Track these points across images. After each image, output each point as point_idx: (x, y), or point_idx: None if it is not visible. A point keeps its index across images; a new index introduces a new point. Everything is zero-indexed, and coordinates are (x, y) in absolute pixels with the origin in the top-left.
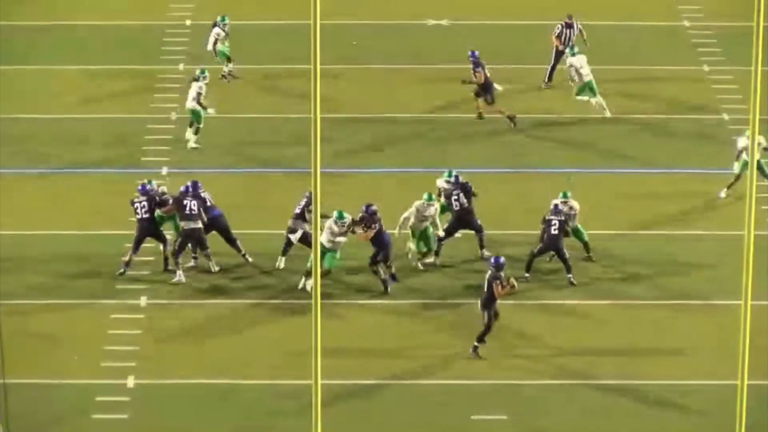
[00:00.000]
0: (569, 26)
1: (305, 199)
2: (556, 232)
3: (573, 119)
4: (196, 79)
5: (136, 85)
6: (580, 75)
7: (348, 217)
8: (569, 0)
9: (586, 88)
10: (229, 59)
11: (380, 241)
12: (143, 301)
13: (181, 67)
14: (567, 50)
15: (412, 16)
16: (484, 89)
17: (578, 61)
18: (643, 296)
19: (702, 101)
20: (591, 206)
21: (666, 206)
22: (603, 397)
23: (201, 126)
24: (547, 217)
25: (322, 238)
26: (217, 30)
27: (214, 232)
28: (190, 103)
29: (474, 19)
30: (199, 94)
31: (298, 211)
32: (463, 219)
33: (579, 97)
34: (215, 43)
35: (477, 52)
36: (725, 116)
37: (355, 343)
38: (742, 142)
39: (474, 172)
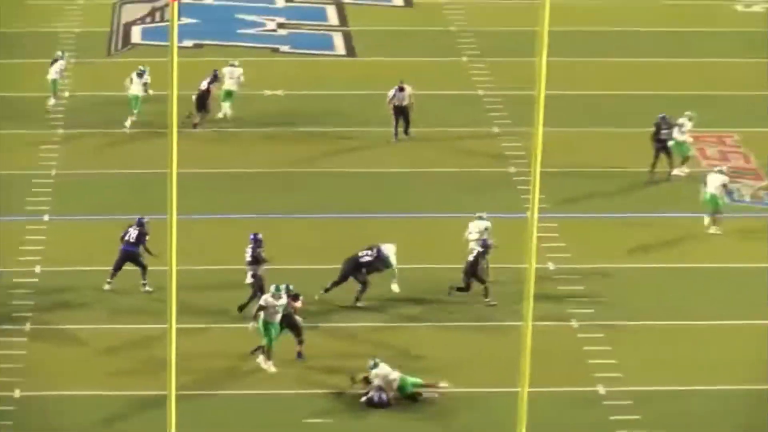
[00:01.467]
0: (401, 90)
1: (252, 243)
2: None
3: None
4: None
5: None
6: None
7: (283, 290)
8: (395, 75)
9: None
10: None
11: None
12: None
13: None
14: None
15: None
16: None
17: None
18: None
19: (494, 155)
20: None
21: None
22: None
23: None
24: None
25: (262, 315)
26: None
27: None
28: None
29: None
30: (62, 70)
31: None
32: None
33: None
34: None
35: None
36: (512, 168)
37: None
38: (711, 179)
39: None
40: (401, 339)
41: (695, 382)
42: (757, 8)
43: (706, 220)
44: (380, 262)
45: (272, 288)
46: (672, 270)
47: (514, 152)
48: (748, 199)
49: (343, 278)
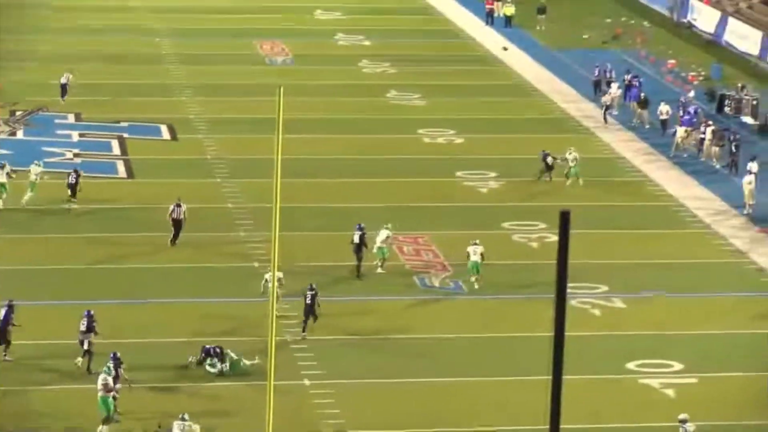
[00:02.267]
0: (179, 205)
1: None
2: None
3: None
4: None
5: None
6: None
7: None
8: (166, 193)
9: None
10: None
11: None
12: None
13: None
14: None
15: None
16: None
17: None
18: None
19: (242, 254)
20: None
21: None
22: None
23: None
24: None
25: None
26: None
27: None
28: None
29: None
30: None
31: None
32: None
33: None
34: None
35: None
36: (256, 264)
37: None
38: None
39: None
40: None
41: None
42: (440, 140)
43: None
44: None
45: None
46: None
47: (258, 252)
48: (437, 285)
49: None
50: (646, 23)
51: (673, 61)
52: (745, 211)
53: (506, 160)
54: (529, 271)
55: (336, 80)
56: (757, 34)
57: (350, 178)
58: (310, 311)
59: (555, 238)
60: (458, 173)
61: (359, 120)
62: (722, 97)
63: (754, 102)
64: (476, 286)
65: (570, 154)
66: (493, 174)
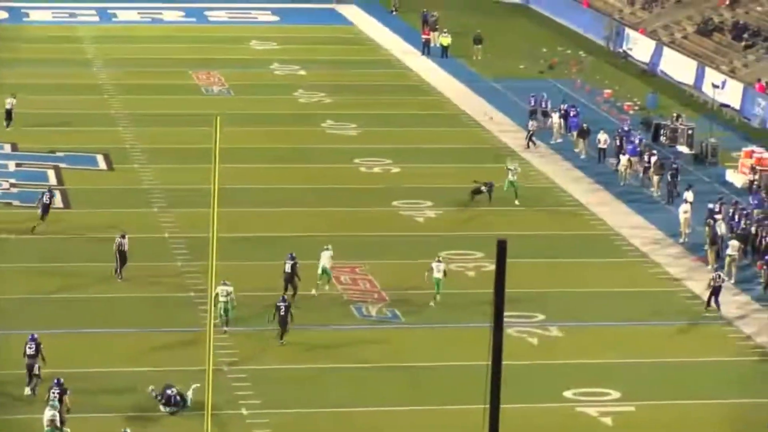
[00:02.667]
0: (123, 236)
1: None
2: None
3: None
4: None
5: None
6: None
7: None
8: (104, 222)
9: None
10: None
11: None
12: None
13: None
14: None
15: None
16: None
17: None
18: None
19: (179, 285)
20: None
21: None
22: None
23: None
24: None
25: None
26: None
27: None
28: None
29: None
30: None
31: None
32: None
33: None
34: None
35: None
36: (192, 293)
37: None
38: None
39: None
40: None
41: None
42: (377, 169)
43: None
44: None
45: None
46: None
47: (194, 282)
48: (374, 314)
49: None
50: (582, 53)
51: (609, 91)
52: (681, 240)
53: (442, 189)
54: (466, 300)
55: (272, 110)
56: (691, 64)
57: (287, 207)
58: (283, 322)
59: (492, 267)
60: (395, 203)
61: (296, 149)
62: (658, 127)
63: (689, 131)
64: (431, 304)
65: (511, 163)
66: (429, 203)
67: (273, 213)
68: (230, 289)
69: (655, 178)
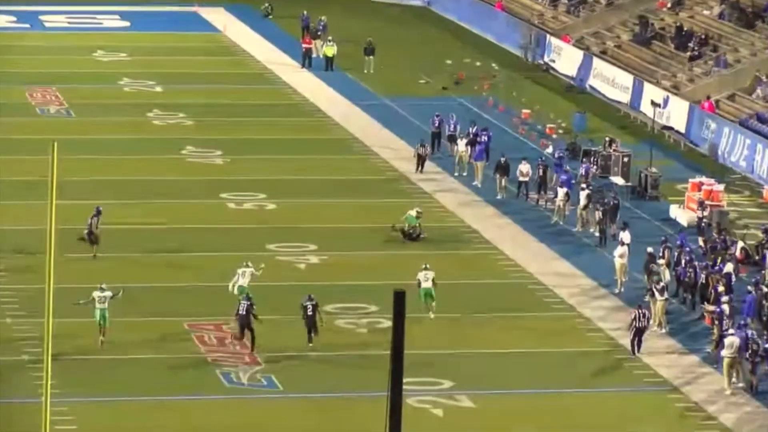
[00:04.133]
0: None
1: None
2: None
3: None
4: None
5: None
6: None
7: None
8: None
9: None
10: None
11: None
12: None
13: None
14: None
15: None
16: None
17: None
18: None
19: (10, 339)
20: None
21: None
22: None
23: None
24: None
25: None
26: None
27: None
28: None
29: None
30: None
31: None
32: None
33: None
34: None
35: None
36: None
37: None
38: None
39: None
40: None
41: None
42: (248, 206)
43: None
44: None
45: None
46: None
47: (29, 341)
48: (246, 381)
49: None
50: (494, 65)
51: (527, 111)
52: (617, 290)
53: (328, 230)
54: (357, 361)
55: (121, 134)
56: (627, 79)
57: (145, 252)
58: (311, 323)
59: (388, 322)
60: (270, 246)
61: (150, 182)
62: (587, 154)
63: (625, 159)
64: (431, 316)
65: (413, 211)
66: (312, 246)
67: (126, 258)
68: (109, 294)
69: (593, 215)
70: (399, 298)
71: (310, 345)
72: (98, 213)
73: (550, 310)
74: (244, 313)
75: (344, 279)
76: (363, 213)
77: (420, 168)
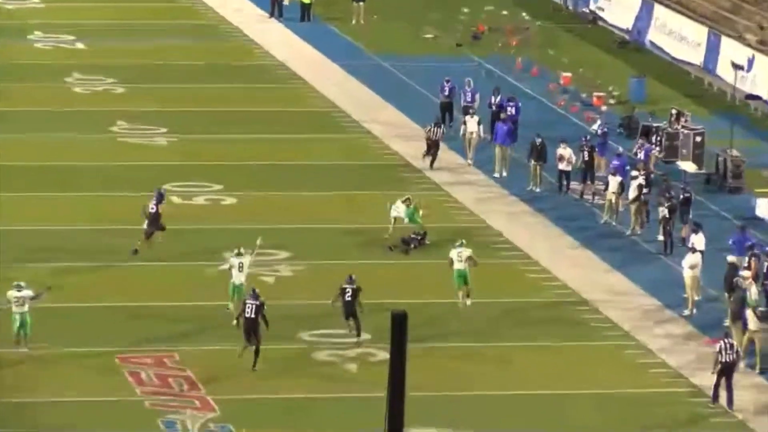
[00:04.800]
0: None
1: None
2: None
3: None
4: None
5: None
6: None
7: None
8: None
9: None
10: None
11: None
12: None
13: None
14: None
15: None
16: None
17: None
18: None
19: None
20: None
21: None
22: None
23: None
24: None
25: None
26: None
27: None
28: None
29: None
30: None
31: None
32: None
33: None
34: None
35: None
36: None
37: None
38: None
39: None
40: None
41: None
42: (200, 199)
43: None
44: None
45: None
46: None
47: None
48: None
49: None
50: (525, 15)
51: (568, 75)
52: (687, 312)
53: (305, 232)
54: (346, 407)
55: (32, 105)
56: (699, 32)
57: (65, 262)
58: (350, 311)
59: (383, 355)
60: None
61: (73, 168)
62: (646, 131)
63: (697, 138)
64: (468, 303)
65: (400, 203)
66: (284, 254)
67: (33, 269)
68: (28, 293)
69: (660, 212)
70: (399, 322)
71: (357, 340)
72: (160, 197)
73: (599, 338)
74: (253, 315)
75: (324, 296)
76: (350, 210)
77: (430, 157)
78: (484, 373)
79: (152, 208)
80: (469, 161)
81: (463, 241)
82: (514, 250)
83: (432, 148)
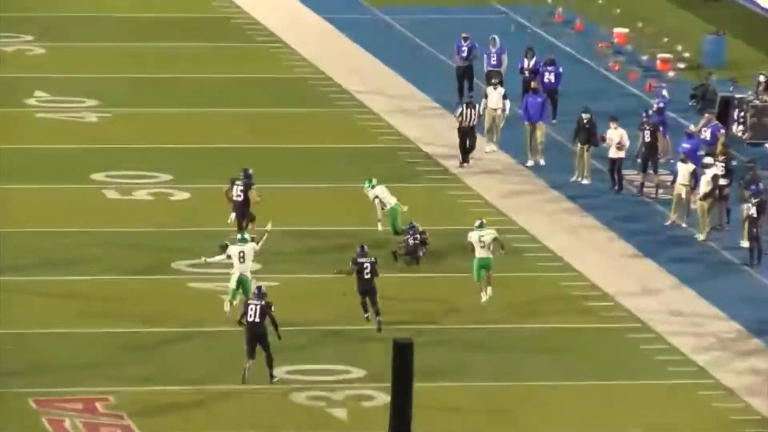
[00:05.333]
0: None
1: None
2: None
3: None
4: None
5: None
6: None
7: None
8: None
9: None
10: None
11: None
12: None
13: None
14: None
15: None
16: None
17: None
18: None
19: None
20: None
21: None
22: None
23: None
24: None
25: None
26: None
27: None
28: None
29: None
30: None
31: None
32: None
33: None
34: None
35: None
36: None
37: None
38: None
39: None
40: None
41: None
42: (141, 194)
43: None
44: None
45: None
46: None
47: None
48: None
49: None
50: None
51: (622, 31)
52: None
53: (282, 236)
54: None
55: None
56: None
57: None
58: (367, 289)
59: (382, 397)
60: (181, 264)
61: None
62: (725, 103)
63: None
64: (483, 299)
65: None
66: (255, 265)
67: None
68: None
69: (745, 210)
70: (401, 350)
71: (377, 327)
72: (248, 179)
73: (665, 375)
74: (257, 319)
75: (309, 321)
76: (341, 207)
77: (465, 156)
78: (514, 419)
79: (239, 195)
80: (493, 146)
81: (483, 221)
82: (554, 260)
83: (468, 139)
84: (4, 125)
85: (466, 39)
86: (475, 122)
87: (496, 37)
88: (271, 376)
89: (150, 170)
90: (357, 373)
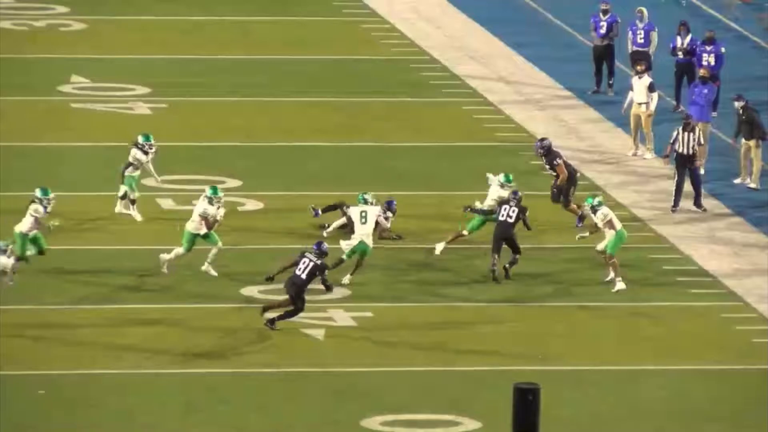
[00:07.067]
0: None
1: None
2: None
3: None
4: None
5: None
6: None
7: None
8: None
9: None
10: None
11: None
12: None
13: None
14: None
15: None
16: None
17: None
18: None
19: None
20: None
21: None
22: None
23: None
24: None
25: None
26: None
27: None
28: None
29: None
30: None
31: None
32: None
33: None
34: None
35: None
36: None
37: None
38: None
39: None
40: None
41: None
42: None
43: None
44: None
45: None
46: None
47: None
48: None
49: None
50: None
51: None
52: None
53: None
54: None
55: None
56: None
57: None
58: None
59: None
60: (248, 289)
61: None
62: None
63: None
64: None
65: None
66: (340, 293)
67: None
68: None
69: None
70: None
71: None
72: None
73: None
74: (304, 276)
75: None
76: (438, 219)
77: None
78: None
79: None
80: (638, 150)
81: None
82: (718, 291)
83: (689, 169)
84: (33, 119)
85: (605, 12)
86: (694, 150)
87: (644, 9)
88: (273, 321)
89: (214, 174)
90: (470, 425)
